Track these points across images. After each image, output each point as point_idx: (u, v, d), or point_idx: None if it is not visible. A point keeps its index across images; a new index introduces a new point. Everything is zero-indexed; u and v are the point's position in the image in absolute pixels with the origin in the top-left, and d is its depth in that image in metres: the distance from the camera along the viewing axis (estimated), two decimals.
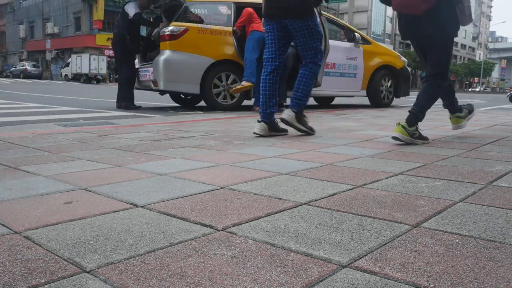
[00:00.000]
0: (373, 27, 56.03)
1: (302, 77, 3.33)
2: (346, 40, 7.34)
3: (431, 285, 0.85)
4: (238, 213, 1.30)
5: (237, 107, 6.25)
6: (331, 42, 6.42)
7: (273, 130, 3.25)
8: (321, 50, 3.33)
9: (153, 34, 6.26)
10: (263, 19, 3.30)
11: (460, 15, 2.78)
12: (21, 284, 0.84)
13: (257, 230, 1.15)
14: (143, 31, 7.50)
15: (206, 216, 1.27)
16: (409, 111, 2.88)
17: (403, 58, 7.85)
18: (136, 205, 1.38)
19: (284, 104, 6.36)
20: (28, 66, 38.94)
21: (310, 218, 1.26)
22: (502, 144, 2.87)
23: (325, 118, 5.00)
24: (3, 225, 1.18)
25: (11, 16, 52.74)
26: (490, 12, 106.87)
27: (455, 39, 3.04)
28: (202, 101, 6.51)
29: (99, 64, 33.17)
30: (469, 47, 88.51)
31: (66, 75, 34.62)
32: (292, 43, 3.41)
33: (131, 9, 6.17)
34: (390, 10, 60.00)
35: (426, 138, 2.90)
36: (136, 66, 6.70)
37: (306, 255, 0.99)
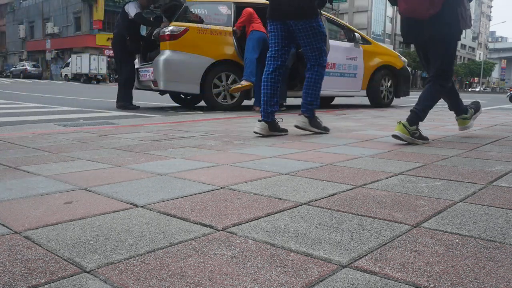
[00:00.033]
0: (373, 27, 56.03)
1: (309, 81, 3.34)
2: (346, 40, 7.33)
3: (431, 285, 0.85)
4: (238, 213, 1.30)
5: (237, 107, 6.25)
6: (331, 42, 6.41)
7: (273, 129, 3.25)
8: (325, 50, 3.34)
9: (153, 33, 6.27)
10: (267, 19, 3.31)
11: (460, 18, 2.80)
12: (21, 284, 0.84)
13: (257, 230, 1.15)
14: (143, 30, 7.51)
15: (206, 216, 1.27)
16: (410, 110, 2.88)
17: (403, 58, 7.85)
18: (136, 205, 1.38)
19: (284, 104, 6.36)
20: (28, 66, 38.93)
21: (310, 218, 1.26)
22: (502, 144, 2.87)
23: (325, 118, 5.00)
24: (3, 225, 1.18)
25: (11, 16, 52.75)
26: (490, 12, 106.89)
27: None
28: (202, 101, 6.51)
29: (99, 64, 33.17)
30: (469, 47, 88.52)
31: (66, 75, 34.62)
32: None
33: (131, 9, 6.17)
34: (390, 10, 60.03)
35: (426, 138, 2.90)
36: (136, 66, 6.70)
37: (306, 255, 0.99)
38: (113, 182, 1.70)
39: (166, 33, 5.79)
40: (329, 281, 0.86)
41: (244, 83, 5.56)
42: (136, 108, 6.47)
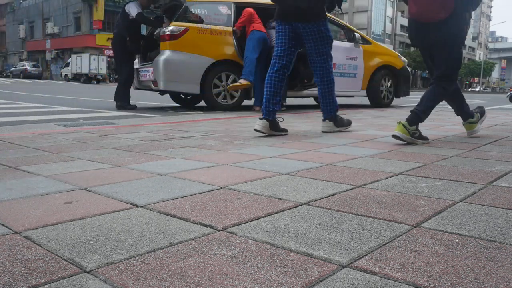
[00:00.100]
0: (373, 27, 56.03)
1: (324, 91, 3.43)
2: (346, 40, 7.33)
3: (431, 285, 0.85)
4: (238, 213, 1.30)
5: (237, 107, 6.25)
6: None
7: (273, 129, 3.25)
8: (331, 55, 3.39)
9: (155, 33, 6.27)
10: (275, 20, 3.34)
11: (465, 23, 2.84)
12: (21, 284, 0.84)
13: (257, 230, 1.15)
14: (143, 30, 7.51)
15: (206, 216, 1.27)
16: (411, 111, 2.88)
17: (403, 58, 7.85)
18: (136, 205, 1.38)
19: (284, 103, 6.36)
20: (28, 66, 38.93)
21: (310, 218, 1.26)
22: (502, 144, 2.88)
23: None
24: (3, 225, 1.18)
25: (11, 16, 52.75)
26: (490, 12, 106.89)
27: None
28: (202, 101, 6.51)
29: (99, 64, 33.17)
30: (469, 47, 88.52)
31: (66, 75, 34.62)
32: None
33: (133, 9, 6.17)
34: (390, 10, 60.05)
35: (426, 138, 2.90)
36: (136, 66, 6.70)
37: (306, 255, 0.99)
38: (113, 182, 1.70)
39: (166, 33, 5.79)
40: (329, 281, 0.86)
41: (242, 81, 5.55)
42: (134, 107, 6.47)
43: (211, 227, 1.18)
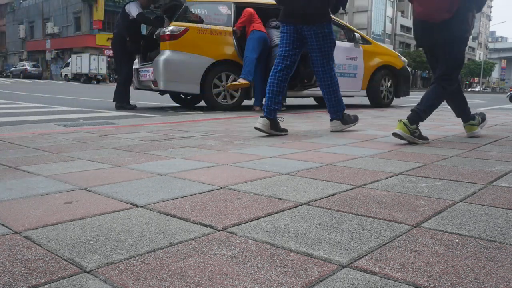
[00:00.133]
0: (373, 27, 56.03)
1: (329, 93, 3.47)
2: (346, 40, 7.33)
3: (431, 285, 0.85)
4: (238, 213, 1.30)
5: (237, 107, 6.25)
6: None
7: (273, 128, 3.26)
8: (333, 57, 3.42)
9: (156, 33, 6.27)
10: (280, 22, 3.38)
11: (468, 24, 2.85)
12: (21, 284, 0.84)
13: (257, 230, 1.15)
14: (143, 30, 7.50)
15: (206, 216, 1.27)
16: (411, 110, 2.89)
17: (403, 58, 7.85)
18: (136, 205, 1.38)
19: (284, 103, 6.36)
20: (28, 66, 38.93)
21: (310, 218, 1.26)
22: (502, 144, 2.88)
23: (325, 118, 5.00)
24: (3, 225, 1.18)
25: (11, 16, 52.75)
26: (490, 12, 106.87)
27: None
28: (202, 101, 6.51)
29: (99, 64, 33.17)
30: (469, 47, 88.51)
31: (66, 75, 34.62)
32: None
33: (133, 9, 6.17)
34: (390, 10, 60.04)
35: (426, 138, 2.90)
36: (136, 66, 6.70)
37: (306, 255, 0.99)
38: (113, 182, 1.70)
39: (166, 33, 5.78)
40: (329, 281, 0.86)
41: (241, 81, 5.55)
42: (134, 107, 6.47)
43: (211, 227, 1.18)
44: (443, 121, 4.51)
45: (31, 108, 6.55)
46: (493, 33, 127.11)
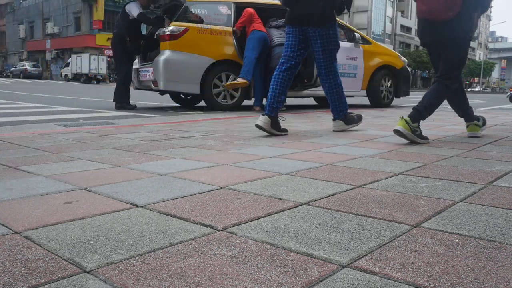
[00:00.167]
0: (373, 27, 56.03)
1: (332, 93, 3.48)
2: (346, 40, 7.33)
3: (431, 285, 0.85)
4: (238, 213, 1.30)
5: (237, 107, 6.25)
6: None
7: (274, 127, 3.26)
8: (336, 57, 3.46)
9: (156, 33, 6.27)
10: (285, 24, 3.43)
11: (473, 23, 2.87)
12: (21, 284, 0.84)
13: (257, 230, 1.15)
14: (143, 30, 7.50)
15: (206, 216, 1.27)
16: (413, 108, 2.89)
17: (403, 58, 7.85)
18: (136, 205, 1.38)
19: (285, 103, 6.36)
20: (28, 66, 38.93)
21: (310, 218, 1.26)
22: (502, 144, 2.88)
23: (325, 118, 5.01)
24: (3, 225, 1.18)
25: (11, 16, 52.75)
26: (490, 12, 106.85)
27: None
28: (202, 101, 6.51)
29: (99, 64, 33.17)
30: (469, 47, 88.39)
31: (66, 75, 34.62)
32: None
33: (134, 10, 6.17)
34: (390, 10, 60.03)
35: (426, 138, 2.90)
36: (136, 66, 6.70)
37: (306, 255, 0.99)
38: (113, 182, 1.70)
39: (166, 33, 5.78)
40: (329, 281, 0.86)
41: (240, 80, 5.55)
42: (134, 107, 6.47)
43: (211, 227, 1.18)
44: (443, 121, 4.51)
45: (31, 108, 6.55)
46: (493, 33, 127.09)
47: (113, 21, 29.32)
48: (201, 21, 6.01)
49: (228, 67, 6.11)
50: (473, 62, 76.34)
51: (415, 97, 12.59)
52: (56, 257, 0.96)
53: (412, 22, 65.14)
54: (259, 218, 1.25)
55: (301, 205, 1.39)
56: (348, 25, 7.51)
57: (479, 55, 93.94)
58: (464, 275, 0.89)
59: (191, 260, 0.96)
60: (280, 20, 6.14)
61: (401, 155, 2.40)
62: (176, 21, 5.92)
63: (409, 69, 7.93)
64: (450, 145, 2.79)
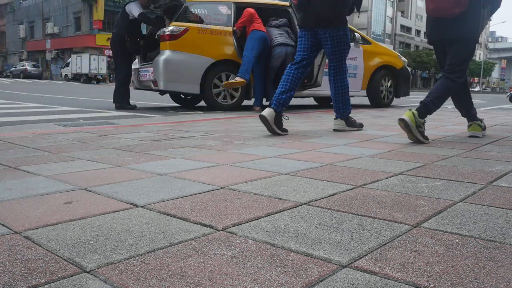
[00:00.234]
0: (373, 27, 56.03)
1: (337, 91, 3.51)
2: None
3: (431, 285, 0.85)
4: (238, 213, 1.30)
5: (237, 107, 6.25)
6: None
7: (276, 124, 3.27)
8: (345, 58, 3.50)
9: (157, 33, 6.27)
10: (298, 27, 3.48)
11: (482, 19, 2.88)
12: (21, 284, 0.84)
13: (257, 230, 1.15)
14: (144, 30, 7.50)
15: (206, 216, 1.27)
16: (420, 102, 2.89)
17: (403, 58, 7.84)
18: (136, 205, 1.38)
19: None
20: (28, 66, 38.93)
21: (310, 218, 1.26)
22: (502, 144, 2.88)
23: (325, 118, 5.01)
24: (3, 225, 1.18)
25: (11, 16, 52.75)
26: None
27: None
28: (202, 101, 6.51)
29: (99, 64, 33.17)
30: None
31: (66, 75, 34.62)
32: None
33: (134, 10, 6.17)
34: (390, 10, 60.03)
35: (427, 138, 2.90)
36: (136, 66, 6.70)
37: (306, 255, 0.99)
38: (113, 182, 1.70)
39: (166, 33, 5.78)
40: (329, 281, 0.86)
41: (238, 79, 5.54)
42: (134, 107, 6.46)
43: (211, 227, 1.18)
44: (443, 121, 4.51)
45: (31, 108, 6.55)
46: (493, 33, 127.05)
47: (113, 21, 29.29)
48: (201, 21, 6.01)
49: (228, 67, 6.11)
50: (473, 62, 76.32)
51: (415, 97, 12.60)
52: (56, 257, 0.96)
53: (412, 22, 65.15)
54: (259, 218, 1.25)
55: (301, 205, 1.39)
56: (348, 25, 7.51)
57: (479, 55, 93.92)
58: (464, 275, 0.89)
59: (191, 260, 0.96)
60: (281, 19, 6.15)
61: (401, 155, 2.40)
62: (176, 21, 5.92)
63: (409, 69, 7.93)
64: (450, 145, 2.79)
